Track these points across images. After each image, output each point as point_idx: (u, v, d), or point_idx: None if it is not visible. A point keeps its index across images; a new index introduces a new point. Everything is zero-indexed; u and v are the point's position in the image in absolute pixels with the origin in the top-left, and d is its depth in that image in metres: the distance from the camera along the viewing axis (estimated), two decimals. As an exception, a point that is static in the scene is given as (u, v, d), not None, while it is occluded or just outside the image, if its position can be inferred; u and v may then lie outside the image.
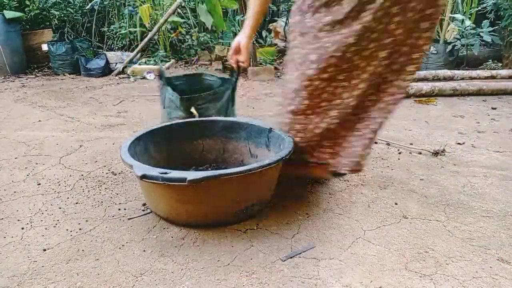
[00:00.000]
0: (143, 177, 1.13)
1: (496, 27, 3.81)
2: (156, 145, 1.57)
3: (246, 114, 2.58)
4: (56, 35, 4.37)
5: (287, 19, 5.05)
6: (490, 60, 4.01)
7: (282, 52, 4.91)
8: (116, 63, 4.11)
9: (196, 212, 1.25)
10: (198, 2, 4.57)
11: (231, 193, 1.22)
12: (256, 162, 1.22)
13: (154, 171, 1.14)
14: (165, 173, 1.12)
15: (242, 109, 2.70)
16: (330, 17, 1.19)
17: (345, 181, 1.60)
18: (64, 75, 4.06)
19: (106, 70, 3.99)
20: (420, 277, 1.04)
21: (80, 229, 1.28)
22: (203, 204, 1.23)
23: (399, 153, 1.90)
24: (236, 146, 1.65)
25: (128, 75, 3.91)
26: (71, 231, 1.27)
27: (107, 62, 4.02)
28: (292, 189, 1.53)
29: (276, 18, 5.39)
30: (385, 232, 1.24)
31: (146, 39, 4.10)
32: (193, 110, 1.74)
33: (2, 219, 1.34)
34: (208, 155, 1.69)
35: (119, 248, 1.18)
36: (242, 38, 1.52)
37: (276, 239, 1.21)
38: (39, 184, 1.60)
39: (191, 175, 1.11)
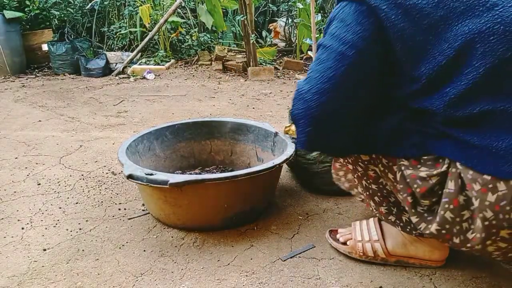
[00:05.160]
0: (130, 177, 1.13)
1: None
2: (162, 144, 1.56)
3: (246, 114, 2.58)
4: (56, 35, 4.37)
5: (287, 19, 5.06)
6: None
7: (282, 52, 4.91)
8: (116, 63, 4.11)
9: (183, 215, 1.23)
10: (198, 2, 4.57)
11: (217, 198, 1.19)
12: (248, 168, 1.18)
13: (141, 172, 1.13)
14: (151, 174, 1.12)
15: (242, 109, 2.70)
16: None
17: (345, 181, 1.60)
18: (64, 75, 4.06)
19: (106, 70, 3.99)
20: (420, 277, 1.04)
21: (80, 229, 1.28)
22: (189, 208, 1.21)
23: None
24: (243, 148, 1.64)
25: (128, 75, 3.91)
26: (71, 231, 1.27)
27: (107, 62, 4.02)
28: (292, 189, 1.54)
29: (276, 18, 5.40)
30: (385, 232, 1.24)
31: (146, 39, 4.10)
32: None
33: (2, 219, 1.35)
34: (216, 156, 1.69)
35: (119, 248, 1.18)
36: None
37: (276, 239, 1.21)
38: (39, 184, 1.60)
39: (175, 178, 1.10)
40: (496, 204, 0.72)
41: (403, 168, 0.84)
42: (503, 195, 0.71)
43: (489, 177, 0.72)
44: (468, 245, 0.79)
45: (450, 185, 0.77)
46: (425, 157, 0.81)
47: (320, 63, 0.82)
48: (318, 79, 0.81)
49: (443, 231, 0.81)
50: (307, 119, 0.83)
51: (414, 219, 0.86)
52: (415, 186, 0.82)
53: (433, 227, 0.82)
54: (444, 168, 0.78)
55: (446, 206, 0.78)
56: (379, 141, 0.86)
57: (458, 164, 0.76)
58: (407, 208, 0.87)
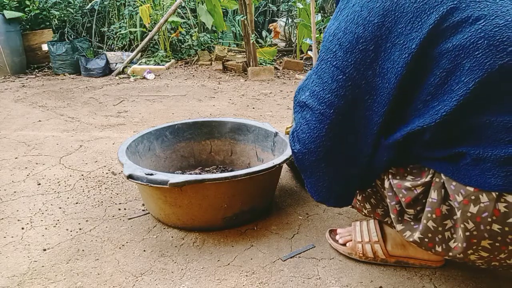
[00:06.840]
0: (130, 177, 1.13)
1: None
2: (162, 144, 1.56)
3: (246, 114, 2.58)
4: (56, 35, 4.37)
5: (287, 19, 5.06)
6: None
7: (282, 52, 4.91)
8: (116, 63, 4.11)
9: (183, 215, 1.23)
10: (198, 2, 4.57)
11: (217, 198, 1.19)
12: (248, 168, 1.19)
13: (141, 172, 1.13)
14: (151, 174, 1.11)
15: (242, 109, 2.70)
16: None
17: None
18: (64, 75, 4.06)
19: (106, 70, 4.00)
20: (420, 277, 1.04)
21: (80, 229, 1.28)
22: (189, 208, 1.20)
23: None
24: (243, 148, 1.64)
25: (128, 75, 3.91)
26: (71, 231, 1.27)
27: (107, 62, 4.02)
28: (292, 189, 1.54)
29: (276, 18, 5.40)
30: (385, 232, 1.24)
31: (146, 39, 4.10)
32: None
33: (2, 219, 1.35)
34: (216, 156, 1.69)
35: (119, 248, 1.18)
36: None
37: (276, 239, 1.21)
38: (39, 184, 1.60)
39: (175, 178, 1.10)
40: (477, 216, 0.71)
41: (390, 176, 0.85)
42: (485, 207, 0.70)
43: (471, 189, 0.71)
44: (450, 253, 0.80)
45: (433, 195, 0.77)
46: (412, 165, 0.82)
47: (306, 123, 0.85)
48: (305, 139, 0.85)
49: (426, 240, 0.81)
50: (305, 176, 0.90)
51: (399, 227, 0.86)
52: (401, 195, 0.83)
53: (416, 235, 0.82)
54: (428, 178, 0.78)
55: (429, 215, 0.79)
56: (378, 169, 0.86)
57: (442, 174, 0.76)
58: (392, 216, 0.87)
